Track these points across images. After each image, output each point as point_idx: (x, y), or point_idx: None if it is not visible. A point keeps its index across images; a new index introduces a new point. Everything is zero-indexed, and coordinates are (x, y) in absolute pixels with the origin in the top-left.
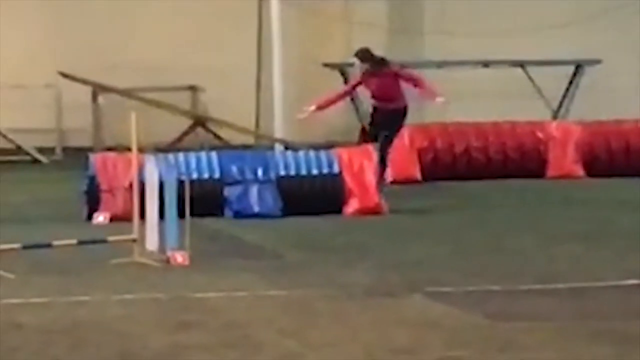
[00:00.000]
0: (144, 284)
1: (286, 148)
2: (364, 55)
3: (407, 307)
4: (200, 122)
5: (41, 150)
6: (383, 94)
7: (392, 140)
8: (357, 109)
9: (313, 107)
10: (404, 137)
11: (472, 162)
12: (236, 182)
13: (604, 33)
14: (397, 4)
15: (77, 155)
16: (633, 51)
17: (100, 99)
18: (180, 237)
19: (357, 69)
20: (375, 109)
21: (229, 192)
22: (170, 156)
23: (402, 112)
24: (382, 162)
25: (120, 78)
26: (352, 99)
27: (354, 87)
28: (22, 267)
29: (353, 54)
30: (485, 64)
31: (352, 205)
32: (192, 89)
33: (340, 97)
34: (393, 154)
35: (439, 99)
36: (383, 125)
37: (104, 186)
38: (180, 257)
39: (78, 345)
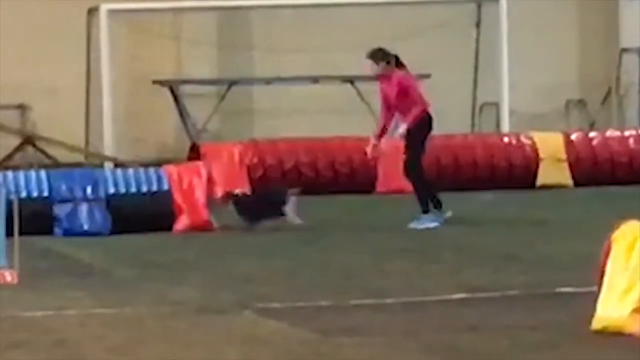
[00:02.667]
0: None
1: (116, 166)
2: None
3: (237, 324)
4: (29, 140)
5: None
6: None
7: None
8: (186, 126)
9: (375, 142)
10: (234, 154)
11: (302, 178)
12: (65, 200)
13: (434, 48)
14: (226, 20)
15: None
16: (461, 67)
17: None
18: (9, 256)
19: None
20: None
21: (59, 210)
22: None
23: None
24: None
25: None
26: (181, 114)
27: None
28: None
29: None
30: (315, 80)
31: (181, 222)
32: (21, 106)
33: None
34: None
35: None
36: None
37: None
38: (9, 276)
39: None
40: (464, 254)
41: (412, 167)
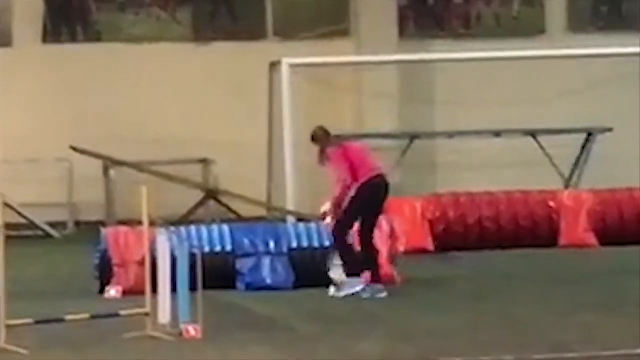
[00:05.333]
0: (157, 358)
1: (298, 220)
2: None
3: None
4: (211, 194)
5: (53, 224)
6: None
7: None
8: None
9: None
10: (416, 208)
11: (484, 232)
12: (248, 255)
13: (615, 100)
14: (408, 75)
15: (89, 230)
16: None
17: (112, 172)
18: (192, 310)
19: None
20: None
21: (241, 264)
22: (182, 229)
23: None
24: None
25: (132, 151)
26: None
27: None
28: (35, 342)
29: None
30: (497, 134)
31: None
32: (204, 161)
33: None
34: (405, 225)
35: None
36: None
37: (116, 260)
38: (193, 331)
39: None
40: None
41: (335, 234)
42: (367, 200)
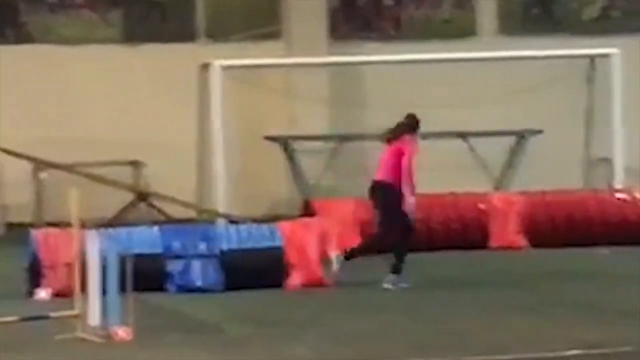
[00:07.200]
0: None
1: (229, 222)
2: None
3: None
4: (142, 196)
5: None
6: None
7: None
8: (298, 182)
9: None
10: (347, 210)
11: (416, 234)
12: (179, 257)
13: (546, 103)
14: (339, 77)
15: (19, 231)
16: (574, 122)
17: (42, 174)
18: (122, 313)
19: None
20: None
21: (172, 266)
22: (112, 231)
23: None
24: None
25: (62, 153)
26: (293, 171)
27: None
28: None
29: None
30: (427, 136)
31: (294, 279)
32: (134, 163)
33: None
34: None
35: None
36: None
37: (45, 262)
38: (122, 333)
39: None
40: (578, 310)
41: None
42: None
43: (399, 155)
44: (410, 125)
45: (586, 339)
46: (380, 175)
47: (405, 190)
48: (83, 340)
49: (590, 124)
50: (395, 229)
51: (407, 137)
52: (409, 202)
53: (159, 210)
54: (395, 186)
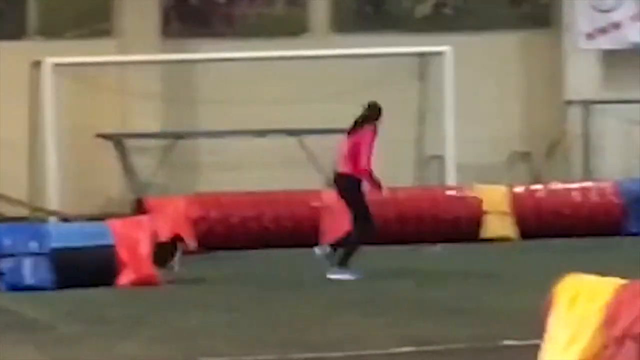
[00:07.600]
0: None
1: (61, 220)
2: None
3: None
4: None
5: None
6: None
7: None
8: (130, 180)
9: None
10: (178, 207)
11: (248, 232)
12: (9, 255)
13: (380, 100)
14: (172, 74)
15: None
16: (406, 119)
17: None
18: None
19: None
20: None
21: (2, 264)
22: None
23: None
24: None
25: None
26: (125, 168)
27: None
28: None
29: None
30: (261, 133)
31: (126, 277)
32: None
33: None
34: (168, 225)
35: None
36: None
37: None
38: None
39: None
40: (410, 307)
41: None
42: None
43: (358, 145)
44: (370, 115)
45: (418, 335)
46: (340, 166)
47: (365, 180)
48: None
49: (422, 122)
50: (368, 215)
51: (367, 127)
52: (367, 191)
53: None
54: (355, 177)
